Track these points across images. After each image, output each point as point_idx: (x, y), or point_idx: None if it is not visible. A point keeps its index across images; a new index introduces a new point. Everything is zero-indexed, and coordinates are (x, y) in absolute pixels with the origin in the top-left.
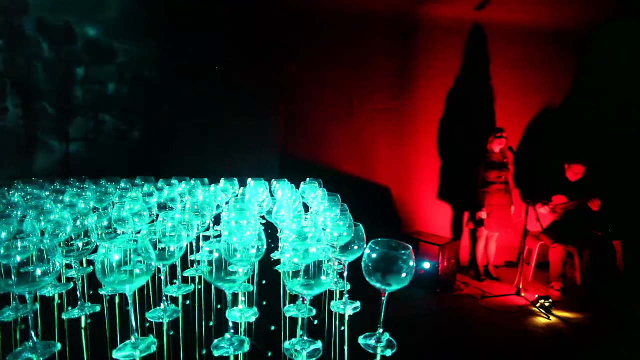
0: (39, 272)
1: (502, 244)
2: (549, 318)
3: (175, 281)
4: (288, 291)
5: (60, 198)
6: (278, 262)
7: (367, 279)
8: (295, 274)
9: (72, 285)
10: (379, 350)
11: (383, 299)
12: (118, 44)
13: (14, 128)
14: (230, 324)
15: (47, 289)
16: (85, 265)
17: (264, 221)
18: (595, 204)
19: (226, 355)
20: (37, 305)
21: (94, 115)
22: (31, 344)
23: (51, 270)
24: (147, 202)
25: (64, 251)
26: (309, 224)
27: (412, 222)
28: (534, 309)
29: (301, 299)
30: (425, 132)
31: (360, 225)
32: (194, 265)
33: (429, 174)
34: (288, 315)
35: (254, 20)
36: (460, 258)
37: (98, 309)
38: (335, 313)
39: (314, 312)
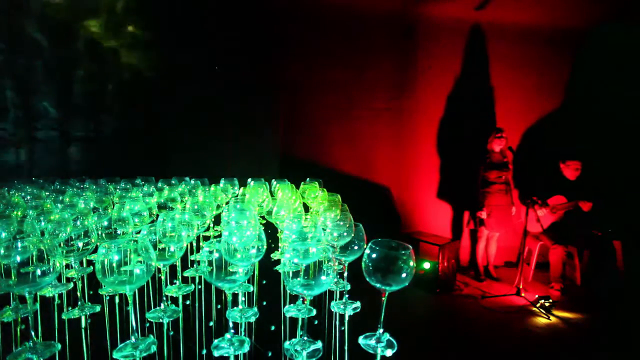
0: (39, 272)
1: (502, 244)
2: (549, 318)
3: (175, 281)
4: (288, 291)
5: (60, 198)
6: (278, 262)
7: (367, 279)
8: (295, 274)
9: (72, 285)
10: (379, 350)
11: (383, 299)
12: (118, 44)
13: (14, 128)
14: (230, 324)
15: (47, 289)
16: (85, 265)
17: (264, 221)
18: (586, 205)
19: (226, 355)
20: (37, 305)
21: (94, 115)
22: (31, 344)
23: (51, 270)
24: (147, 202)
25: (64, 251)
26: (309, 224)
27: (412, 222)
28: (534, 309)
29: (301, 299)
30: (425, 132)
31: (360, 225)
32: (194, 265)
33: (429, 173)
34: (288, 315)
35: (254, 20)
36: (460, 258)
37: (98, 309)
38: (335, 313)
39: (314, 312)
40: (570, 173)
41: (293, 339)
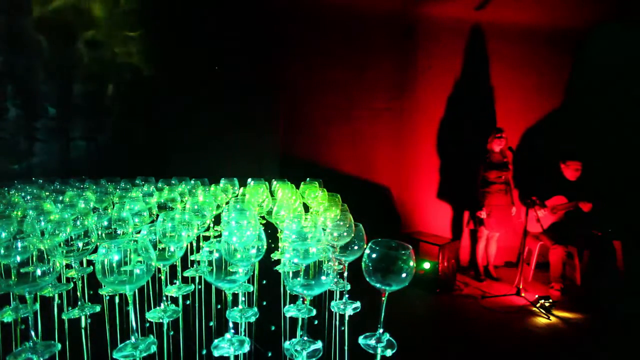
0: (39, 272)
1: (502, 244)
2: (549, 318)
3: (175, 281)
4: (288, 291)
5: (60, 198)
6: (278, 262)
7: (367, 279)
8: (295, 274)
9: (72, 285)
10: (379, 350)
11: (383, 299)
12: (118, 44)
13: (14, 128)
14: (230, 324)
15: (47, 289)
16: (85, 265)
17: (264, 221)
18: (586, 206)
19: (226, 355)
20: (37, 305)
21: (94, 115)
22: (31, 344)
23: (51, 270)
24: (147, 202)
25: (64, 251)
26: (309, 224)
27: (412, 222)
28: (534, 309)
29: (301, 299)
30: (425, 132)
31: (360, 225)
32: (194, 265)
33: (429, 173)
34: (288, 315)
35: (254, 20)
36: (460, 258)
37: (98, 309)
38: (335, 313)
39: (314, 312)
40: (570, 173)
41: (293, 339)
